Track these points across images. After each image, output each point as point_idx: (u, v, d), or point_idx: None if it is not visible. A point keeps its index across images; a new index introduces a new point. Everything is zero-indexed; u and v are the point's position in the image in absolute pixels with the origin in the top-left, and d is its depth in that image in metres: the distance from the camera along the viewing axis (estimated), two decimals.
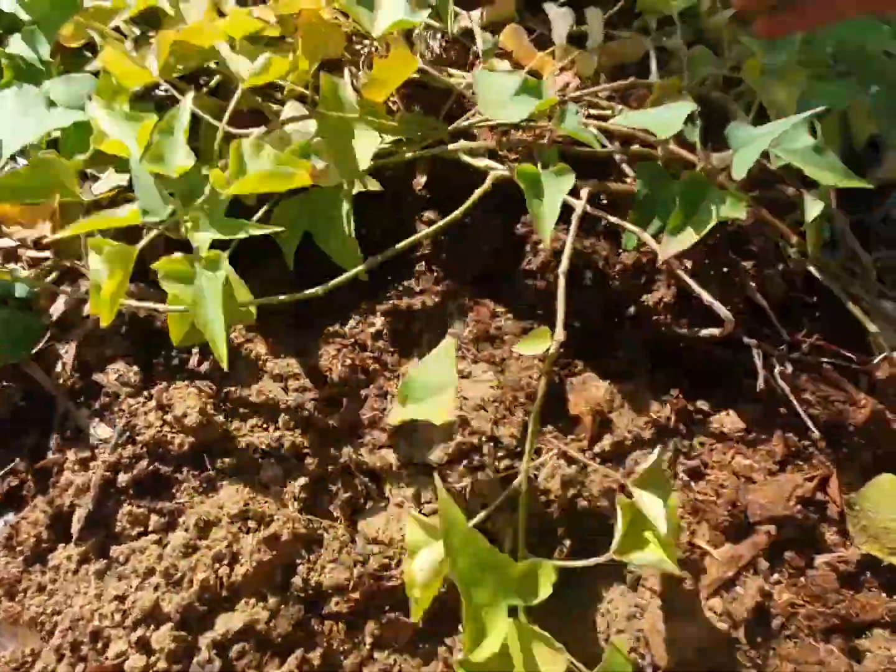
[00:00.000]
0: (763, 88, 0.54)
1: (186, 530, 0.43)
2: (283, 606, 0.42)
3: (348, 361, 0.50)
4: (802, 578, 0.46)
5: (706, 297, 0.46)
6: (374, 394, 0.51)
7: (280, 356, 0.51)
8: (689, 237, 0.46)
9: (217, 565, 0.42)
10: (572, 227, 0.48)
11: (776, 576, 0.47)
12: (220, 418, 0.47)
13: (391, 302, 0.54)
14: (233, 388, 0.49)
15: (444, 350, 0.44)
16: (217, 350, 0.41)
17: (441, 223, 0.50)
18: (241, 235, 0.44)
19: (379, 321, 0.53)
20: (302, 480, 0.46)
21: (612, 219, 0.50)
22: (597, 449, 0.49)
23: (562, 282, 0.46)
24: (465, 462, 0.45)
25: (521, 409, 0.48)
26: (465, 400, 0.47)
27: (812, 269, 0.53)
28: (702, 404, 0.52)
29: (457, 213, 0.49)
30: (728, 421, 0.51)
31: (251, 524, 0.43)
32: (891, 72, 0.56)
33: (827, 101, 0.49)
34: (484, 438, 0.45)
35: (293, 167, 0.44)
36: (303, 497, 0.46)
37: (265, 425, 0.48)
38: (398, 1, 0.49)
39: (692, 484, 0.49)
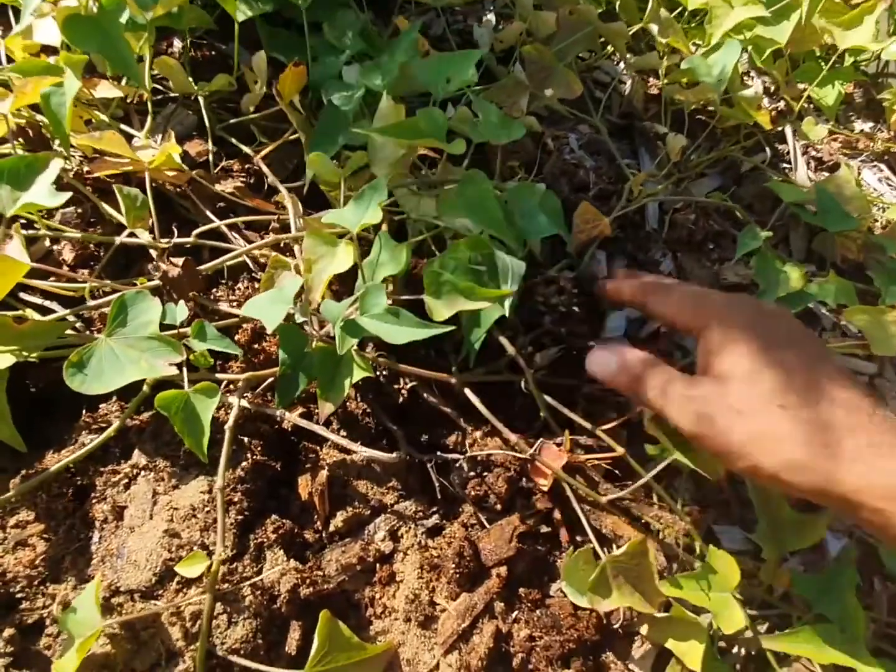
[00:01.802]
0: None
1: None
2: None
3: None
4: (538, 611, 0.49)
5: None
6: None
7: None
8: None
9: None
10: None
11: (516, 613, 0.49)
12: None
13: None
14: None
15: None
16: None
17: None
18: None
19: None
20: None
21: None
22: (331, 528, 0.50)
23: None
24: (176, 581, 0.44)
25: (234, 507, 0.48)
26: (176, 510, 0.46)
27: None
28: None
29: None
30: None
31: None
32: None
33: None
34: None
35: None
36: None
37: None
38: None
39: (429, 543, 0.51)
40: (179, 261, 0.51)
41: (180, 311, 0.49)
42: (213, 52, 0.82)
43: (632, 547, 0.45)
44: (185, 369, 0.48)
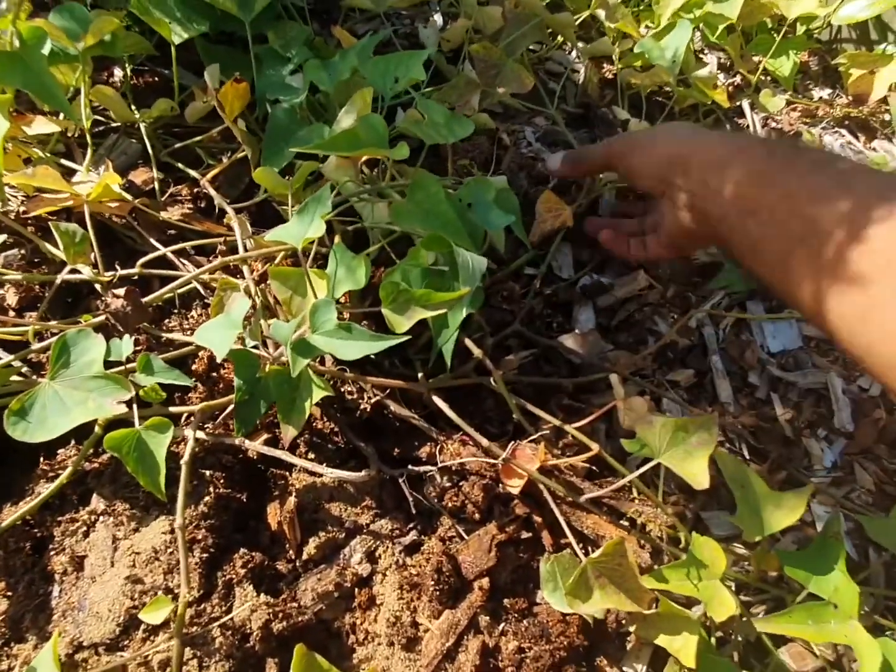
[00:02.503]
0: None
1: None
2: None
3: None
4: (526, 621, 0.47)
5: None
6: None
7: None
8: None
9: None
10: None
11: (502, 625, 0.47)
12: None
13: None
14: None
15: None
16: None
17: None
18: None
19: None
20: None
21: None
22: (305, 556, 0.48)
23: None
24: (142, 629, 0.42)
25: (198, 546, 0.46)
26: (137, 554, 0.44)
27: None
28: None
29: None
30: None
31: None
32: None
33: None
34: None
35: None
36: None
37: None
38: None
39: (408, 561, 0.49)
40: (122, 292, 0.49)
41: (126, 345, 0.47)
42: (157, 79, 0.81)
43: (610, 547, 0.43)
44: (135, 406, 0.46)
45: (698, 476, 0.45)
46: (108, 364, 0.47)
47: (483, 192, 0.55)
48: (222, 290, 0.51)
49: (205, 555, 0.46)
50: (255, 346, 0.48)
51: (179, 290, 0.56)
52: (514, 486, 0.50)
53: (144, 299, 0.51)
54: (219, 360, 0.47)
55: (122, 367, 0.48)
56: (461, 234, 0.52)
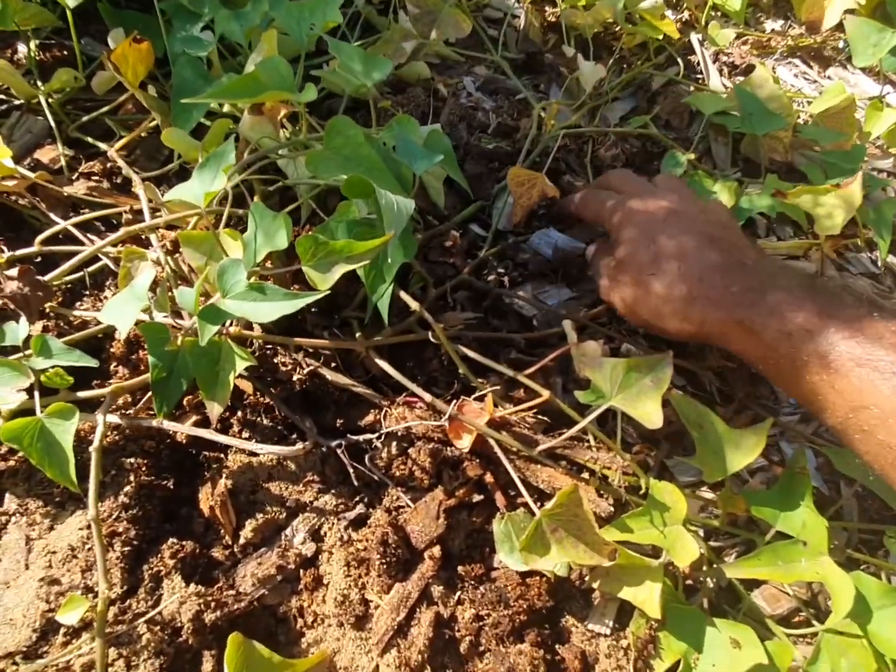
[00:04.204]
0: None
1: None
2: None
3: None
4: (482, 587, 0.45)
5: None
6: None
7: None
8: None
9: None
10: None
11: (458, 594, 0.45)
12: None
13: None
14: None
15: None
16: None
17: None
18: None
19: None
20: None
21: None
22: (242, 540, 0.45)
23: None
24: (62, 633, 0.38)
25: (119, 539, 0.42)
26: (53, 554, 0.41)
27: None
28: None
29: None
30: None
31: None
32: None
33: None
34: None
35: None
36: None
37: None
38: None
39: (353, 536, 0.46)
40: (16, 272, 0.45)
41: (22, 328, 0.43)
42: (65, 52, 0.75)
43: (563, 496, 0.40)
44: (36, 393, 0.42)
45: (651, 415, 0.42)
46: (5, 351, 0.43)
47: (407, 132, 0.51)
48: (128, 262, 0.46)
49: (127, 548, 0.42)
50: (165, 318, 0.44)
51: (90, 269, 0.52)
52: (463, 444, 0.47)
53: (44, 278, 0.46)
54: (122, 337, 0.43)
55: (21, 354, 0.43)
56: (387, 177, 0.48)
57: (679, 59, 0.84)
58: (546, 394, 0.46)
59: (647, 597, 0.42)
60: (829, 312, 0.41)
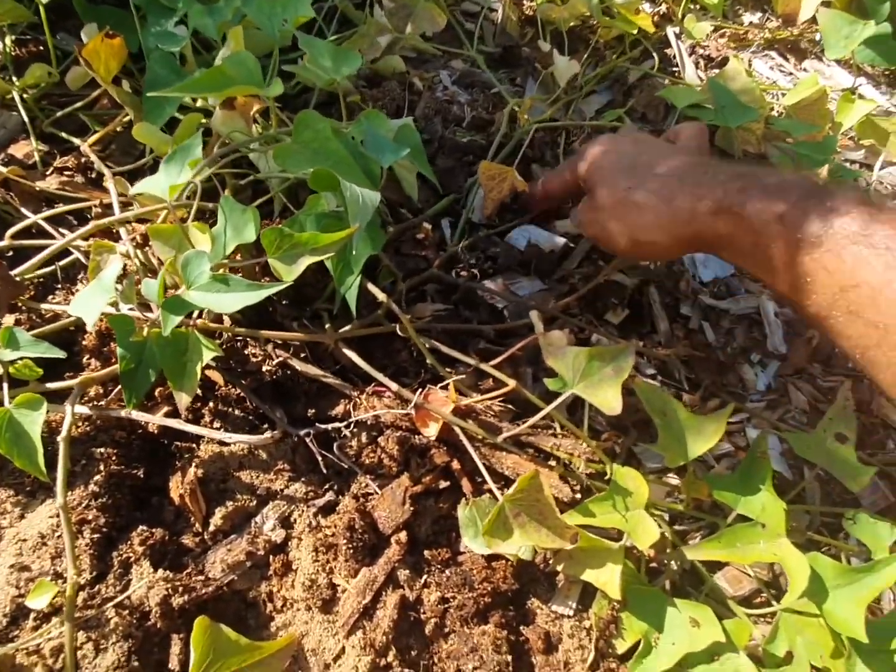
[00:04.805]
0: None
1: None
2: None
3: None
4: (448, 570, 0.45)
5: None
6: None
7: None
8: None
9: None
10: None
11: (424, 577, 0.45)
12: None
13: None
14: None
15: None
16: None
17: None
18: None
19: None
20: None
21: None
22: (212, 528, 0.45)
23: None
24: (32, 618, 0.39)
25: (88, 526, 0.43)
26: (24, 541, 0.41)
27: None
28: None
29: None
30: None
31: None
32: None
33: None
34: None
35: None
36: None
37: None
38: None
39: (322, 522, 0.46)
40: None
41: None
42: (42, 48, 0.75)
43: (525, 481, 0.41)
44: (5, 385, 0.42)
45: (611, 402, 0.43)
46: None
47: (375, 125, 0.52)
48: (97, 255, 0.47)
49: (96, 535, 0.43)
50: (132, 310, 0.44)
51: (62, 263, 0.52)
52: (430, 432, 0.48)
53: (14, 272, 0.47)
54: (89, 329, 0.44)
55: None
56: (354, 171, 0.49)
57: (654, 53, 0.85)
58: (512, 383, 0.47)
59: (608, 579, 0.43)
60: (820, 195, 0.40)
